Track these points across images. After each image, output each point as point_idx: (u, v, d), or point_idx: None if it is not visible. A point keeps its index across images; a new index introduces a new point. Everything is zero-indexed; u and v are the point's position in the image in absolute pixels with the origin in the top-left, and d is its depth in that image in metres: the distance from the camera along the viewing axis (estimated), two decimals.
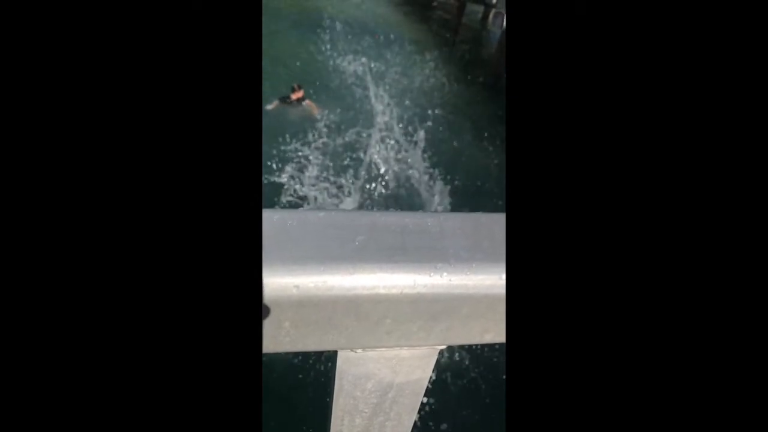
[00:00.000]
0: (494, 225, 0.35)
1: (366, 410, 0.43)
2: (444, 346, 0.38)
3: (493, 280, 0.33)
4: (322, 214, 0.34)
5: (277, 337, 0.33)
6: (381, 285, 0.32)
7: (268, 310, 0.31)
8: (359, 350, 0.37)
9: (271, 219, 0.32)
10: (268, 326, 0.32)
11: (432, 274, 0.32)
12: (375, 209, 0.36)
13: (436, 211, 0.35)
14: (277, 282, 0.30)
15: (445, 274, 0.32)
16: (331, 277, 0.31)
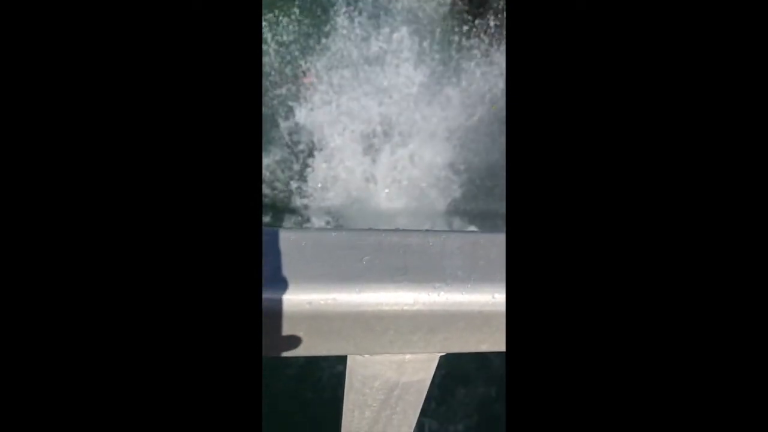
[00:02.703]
0: (491, 245, 0.40)
1: (374, 405, 0.49)
2: (444, 353, 0.44)
3: (486, 298, 0.38)
4: (334, 234, 0.39)
5: (292, 344, 0.38)
6: (384, 302, 0.37)
7: (285, 323, 0.36)
8: (366, 355, 0.43)
9: (287, 239, 0.37)
10: (284, 334, 0.37)
11: (430, 293, 0.38)
12: (382, 228, 0.41)
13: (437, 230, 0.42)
14: (293, 298, 0.35)
15: (442, 293, 0.38)
16: (339, 294, 0.36)
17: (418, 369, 0.46)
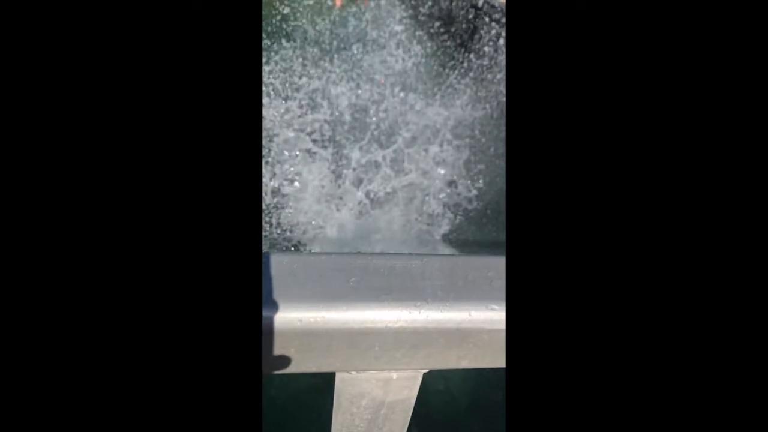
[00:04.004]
0: (469, 267, 0.59)
1: (361, 425, 0.68)
2: (426, 370, 0.62)
3: (463, 316, 0.55)
4: (323, 257, 0.56)
5: (284, 361, 0.53)
6: (370, 320, 0.53)
7: (276, 339, 0.52)
8: (353, 372, 0.60)
9: (280, 262, 0.54)
10: (276, 352, 0.52)
11: (412, 311, 0.54)
12: (368, 252, 0.61)
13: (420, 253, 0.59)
14: (285, 316, 0.51)
15: (423, 310, 0.54)
16: (328, 313, 0.52)
17: (402, 387, 0.65)
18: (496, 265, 0.60)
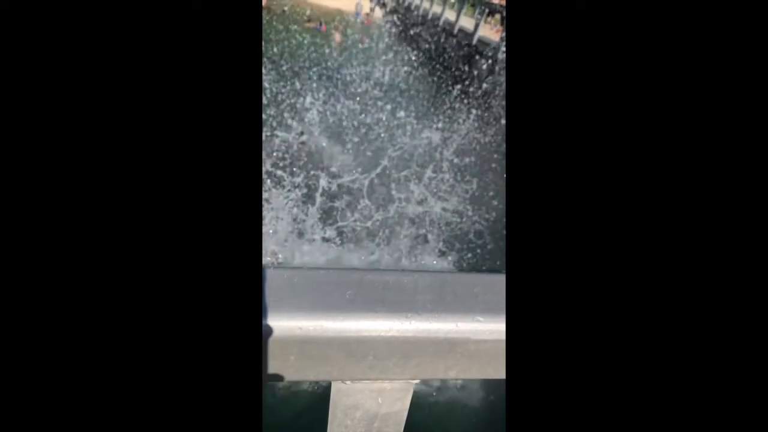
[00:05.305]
0: (457, 283, 0.79)
1: None
2: (417, 381, 0.81)
3: (450, 327, 0.74)
4: (322, 272, 0.76)
5: (285, 369, 0.71)
6: (364, 329, 0.72)
7: (277, 347, 0.69)
8: (348, 382, 0.79)
9: (282, 276, 0.73)
10: (277, 359, 0.70)
11: (403, 321, 0.73)
12: (363, 268, 0.84)
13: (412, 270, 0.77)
14: (285, 324, 0.68)
15: (413, 321, 0.73)
16: (326, 322, 0.70)
17: (395, 399, 0.86)
18: (483, 281, 0.80)
